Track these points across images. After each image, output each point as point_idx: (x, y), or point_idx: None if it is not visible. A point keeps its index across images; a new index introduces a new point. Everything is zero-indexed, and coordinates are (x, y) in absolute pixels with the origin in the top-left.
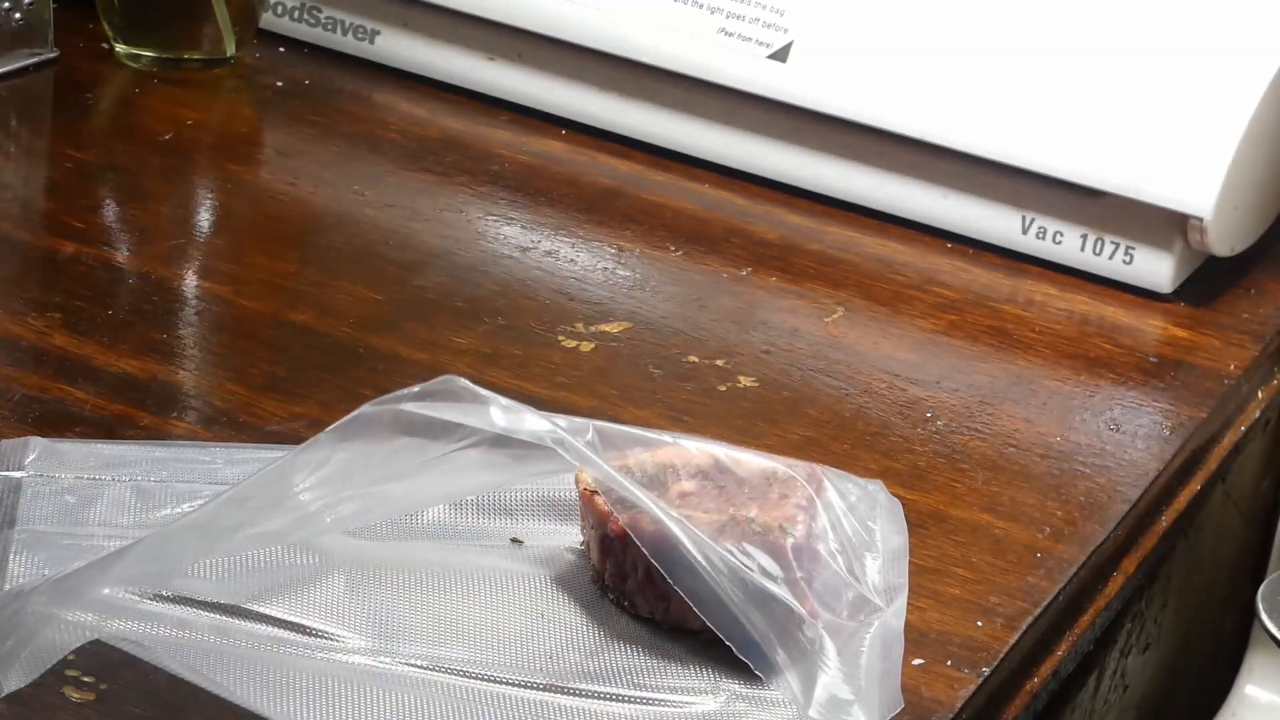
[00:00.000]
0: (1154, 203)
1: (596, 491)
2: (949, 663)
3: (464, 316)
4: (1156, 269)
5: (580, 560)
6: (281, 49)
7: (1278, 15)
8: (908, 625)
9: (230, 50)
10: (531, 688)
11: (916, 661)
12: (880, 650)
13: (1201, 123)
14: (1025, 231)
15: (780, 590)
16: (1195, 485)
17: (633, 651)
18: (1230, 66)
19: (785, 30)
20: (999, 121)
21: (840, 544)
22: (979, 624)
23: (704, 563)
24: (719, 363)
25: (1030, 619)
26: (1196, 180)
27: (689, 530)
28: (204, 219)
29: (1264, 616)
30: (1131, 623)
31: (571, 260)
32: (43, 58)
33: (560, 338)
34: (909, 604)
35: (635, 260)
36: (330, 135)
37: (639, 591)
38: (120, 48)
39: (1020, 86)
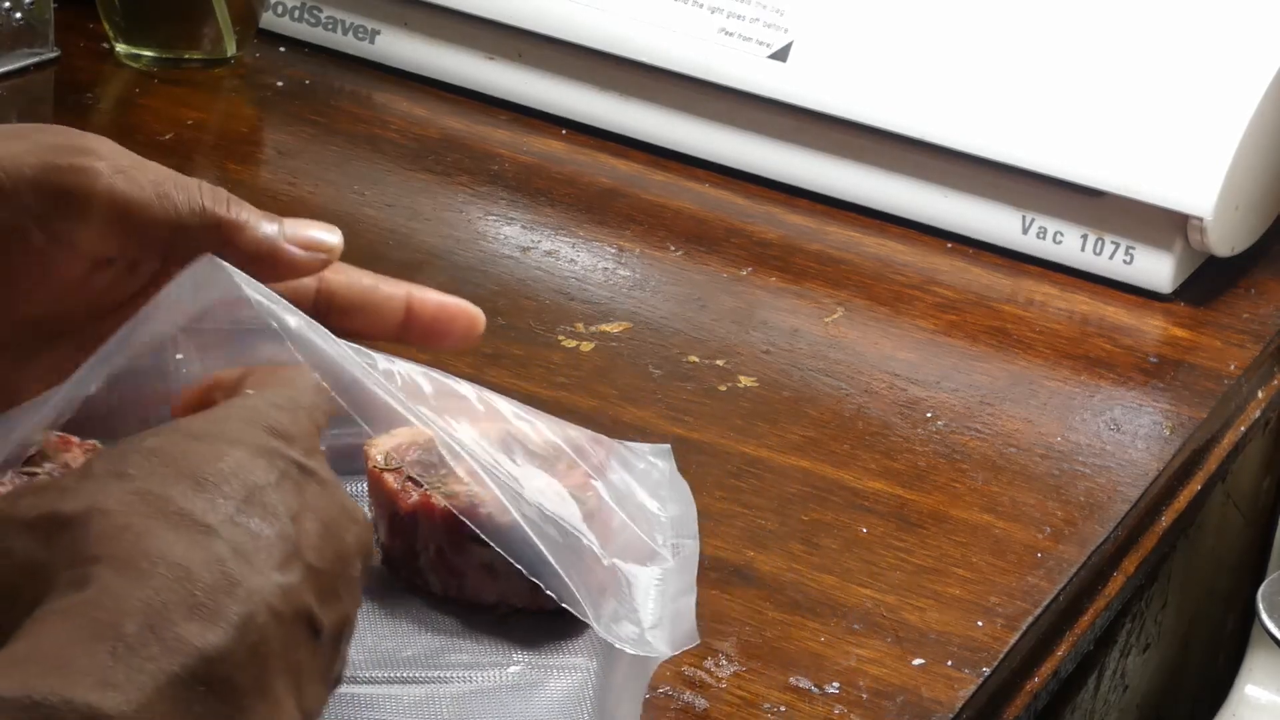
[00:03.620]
0: (1154, 203)
1: (386, 469)
2: (949, 663)
3: None
4: (1157, 269)
5: None
6: (282, 49)
7: (1278, 15)
8: (907, 624)
9: (230, 50)
10: None
11: (917, 661)
12: (671, 593)
13: (1202, 123)
14: (1025, 231)
15: (579, 527)
16: (1195, 485)
17: (425, 632)
18: (1230, 67)
19: (785, 30)
20: (999, 121)
21: (630, 513)
22: (979, 624)
23: (516, 511)
24: (719, 363)
25: (1030, 619)
26: (1197, 180)
27: (504, 489)
28: None
29: (1264, 616)
30: (1132, 623)
31: (572, 260)
32: (43, 57)
33: (560, 338)
34: (909, 604)
35: (635, 260)
36: (330, 135)
37: (431, 569)
38: (121, 47)
39: (1020, 87)
